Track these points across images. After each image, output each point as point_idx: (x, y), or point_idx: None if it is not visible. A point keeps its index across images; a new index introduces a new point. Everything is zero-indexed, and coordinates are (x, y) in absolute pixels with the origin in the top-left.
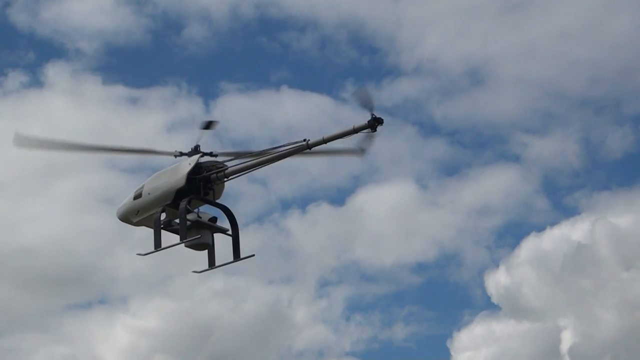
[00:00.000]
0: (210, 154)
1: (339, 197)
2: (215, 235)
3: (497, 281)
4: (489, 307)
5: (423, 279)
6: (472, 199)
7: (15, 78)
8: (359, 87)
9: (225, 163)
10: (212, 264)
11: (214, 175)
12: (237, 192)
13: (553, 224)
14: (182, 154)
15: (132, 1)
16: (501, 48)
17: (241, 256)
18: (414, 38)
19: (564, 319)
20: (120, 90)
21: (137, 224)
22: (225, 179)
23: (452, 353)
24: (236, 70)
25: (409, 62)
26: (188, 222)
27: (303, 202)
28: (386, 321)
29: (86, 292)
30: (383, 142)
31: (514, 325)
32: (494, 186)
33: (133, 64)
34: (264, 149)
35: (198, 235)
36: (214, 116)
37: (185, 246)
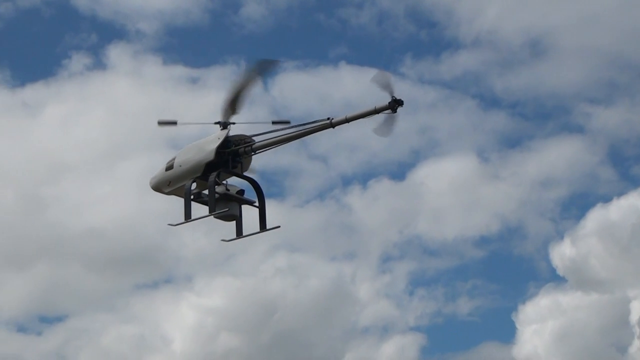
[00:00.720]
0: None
1: (399, 171)
2: (244, 207)
3: (563, 253)
4: (555, 279)
5: (486, 253)
6: (536, 170)
7: (79, 60)
8: (379, 71)
9: (254, 137)
10: (239, 233)
11: (242, 149)
12: (297, 169)
13: (620, 194)
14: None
15: None
16: (562, 18)
17: (267, 227)
18: (473, 10)
19: (633, 289)
20: (180, 70)
21: (168, 194)
22: (253, 153)
23: (518, 326)
24: (294, 48)
25: (467, 34)
26: (217, 195)
27: (364, 177)
28: (450, 295)
29: (153, 272)
30: (443, 116)
31: (581, 297)
32: (558, 157)
33: (192, 43)
34: (291, 125)
35: (226, 208)
36: (273, 94)
37: (214, 217)
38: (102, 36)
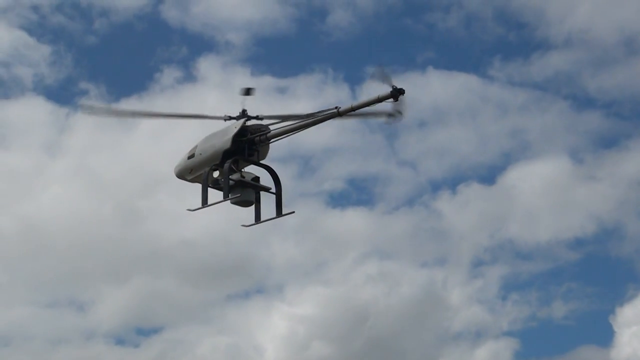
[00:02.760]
0: (257, 117)
1: (489, 175)
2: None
3: None
4: None
5: (581, 255)
6: (633, 170)
7: (170, 74)
8: (377, 66)
9: (269, 126)
10: (257, 219)
11: (258, 137)
12: (386, 175)
13: None
14: (230, 118)
15: None
16: None
17: (283, 212)
18: (563, 9)
19: None
20: (268, 80)
21: (192, 181)
22: (269, 141)
23: (616, 329)
24: (381, 54)
25: (558, 34)
26: (232, 182)
27: (453, 182)
28: (544, 299)
29: (244, 282)
30: (534, 118)
31: None
32: None
33: (280, 53)
34: (304, 114)
35: (238, 194)
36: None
37: (231, 203)
38: (192, 49)
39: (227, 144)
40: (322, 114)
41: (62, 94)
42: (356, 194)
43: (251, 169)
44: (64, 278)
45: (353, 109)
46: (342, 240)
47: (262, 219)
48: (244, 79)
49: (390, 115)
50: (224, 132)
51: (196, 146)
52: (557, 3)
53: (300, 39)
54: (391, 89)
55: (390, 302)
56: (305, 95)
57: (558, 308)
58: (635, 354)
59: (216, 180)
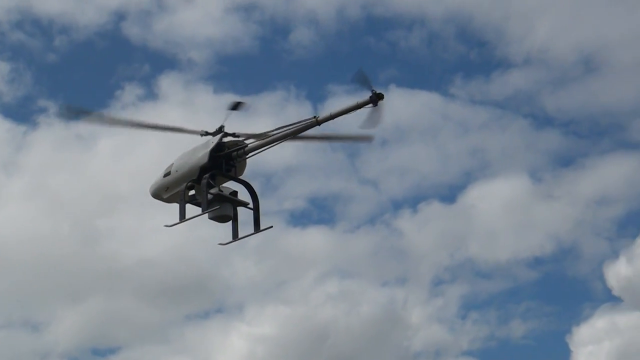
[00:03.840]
0: (233, 135)
1: (450, 194)
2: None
3: (618, 273)
4: (610, 299)
5: (540, 274)
6: (591, 189)
7: (131, 91)
8: (357, 70)
9: (245, 140)
10: (235, 236)
11: (235, 152)
12: (348, 194)
13: None
14: (207, 133)
15: (240, 8)
16: (616, 33)
17: (261, 228)
18: (523, 28)
19: None
20: (230, 98)
21: (167, 200)
22: (246, 156)
23: (572, 348)
24: (344, 72)
25: (518, 53)
26: (210, 196)
27: (414, 201)
28: (503, 318)
29: (204, 302)
30: (495, 137)
31: (638, 317)
32: (614, 175)
33: (242, 71)
34: (279, 126)
35: (217, 207)
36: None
37: (209, 218)
38: (154, 66)
39: (205, 159)
40: (300, 124)
41: (21, 112)
42: (317, 212)
43: (228, 184)
44: (19, 298)
45: (332, 117)
46: (303, 259)
47: (239, 236)
48: (207, 96)
49: (368, 121)
50: (201, 147)
51: (172, 164)
52: (518, 22)
53: (262, 57)
54: (370, 95)
55: (351, 322)
56: (268, 113)
57: (517, 327)
58: None
59: (193, 196)
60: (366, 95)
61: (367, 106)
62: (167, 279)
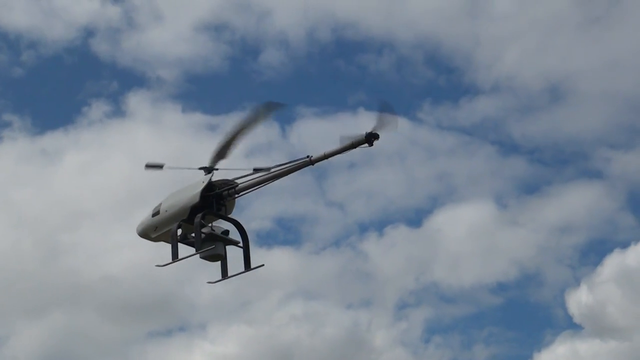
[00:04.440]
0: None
1: (416, 218)
2: (227, 247)
3: (579, 300)
4: (571, 326)
5: (503, 300)
6: (554, 216)
7: (99, 108)
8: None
9: (236, 180)
10: (225, 274)
11: (226, 192)
12: (314, 216)
13: (638, 240)
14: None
15: (210, 28)
16: (583, 63)
17: (252, 266)
18: (492, 56)
19: None
20: (199, 117)
21: (155, 240)
22: (237, 195)
23: None
24: (313, 94)
25: (486, 80)
26: (202, 235)
27: (380, 224)
28: (466, 343)
29: (167, 320)
30: (461, 162)
31: (599, 345)
32: (577, 203)
33: (211, 90)
34: (270, 166)
35: (212, 246)
36: (292, 141)
37: (200, 257)
38: (122, 83)
39: (196, 199)
40: (293, 163)
41: None
42: (283, 233)
43: (218, 223)
44: None
45: (326, 157)
46: (268, 280)
47: (229, 275)
48: (175, 115)
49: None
50: (190, 187)
51: (160, 204)
52: (486, 49)
53: (232, 77)
54: (365, 134)
55: (314, 343)
56: None
57: (479, 352)
58: None
59: (184, 235)
60: (361, 135)
61: (362, 146)
62: (130, 296)
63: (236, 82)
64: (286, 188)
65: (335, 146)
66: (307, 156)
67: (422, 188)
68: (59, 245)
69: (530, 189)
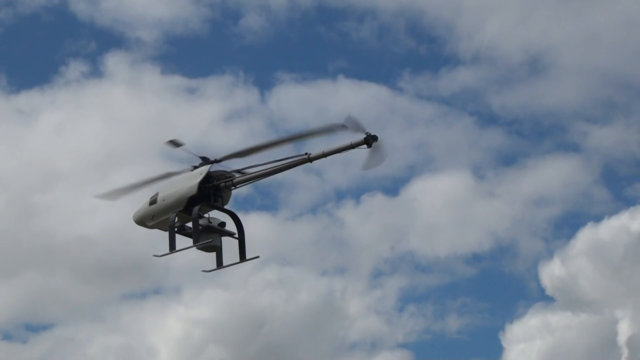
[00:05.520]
0: (216, 160)
1: (393, 187)
2: (223, 238)
3: (552, 273)
4: (544, 298)
5: (477, 270)
6: (530, 189)
7: (76, 68)
8: (347, 116)
9: (234, 172)
10: (220, 264)
11: (223, 184)
12: (292, 182)
13: (612, 214)
14: (195, 167)
15: None
16: (562, 36)
17: (247, 257)
18: (473, 26)
19: (621, 310)
20: (178, 80)
21: (151, 227)
22: (233, 187)
23: (505, 345)
24: (293, 60)
25: (467, 50)
26: (200, 227)
27: (357, 192)
28: (439, 313)
29: (142, 282)
30: (440, 132)
31: (570, 317)
32: (553, 176)
33: (191, 53)
34: (270, 161)
35: (209, 239)
36: (270, 106)
37: (197, 248)
38: (101, 44)
39: (194, 190)
40: (292, 159)
41: None
42: (260, 198)
43: (214, 214)
44: None
45: (324, 155)
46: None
47: (224, 264)
48: (153, 77)
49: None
50: (188, 178)
51: (157, 193)
52: (467, 20)
53: (212, 40)
54: (364, 136)
55: (288, 309)
56: (215, 96)
57: (452, 322)
58: None
59: (180, 226)
60: (359, 136)
61: (360, 147)
62: (104, 258)
63: (216, 46)
64: (265, 153)
65: (335, 145)
66: (306, 153)
67: (400, 157)
68: (33, 205)
69: (508, 160)
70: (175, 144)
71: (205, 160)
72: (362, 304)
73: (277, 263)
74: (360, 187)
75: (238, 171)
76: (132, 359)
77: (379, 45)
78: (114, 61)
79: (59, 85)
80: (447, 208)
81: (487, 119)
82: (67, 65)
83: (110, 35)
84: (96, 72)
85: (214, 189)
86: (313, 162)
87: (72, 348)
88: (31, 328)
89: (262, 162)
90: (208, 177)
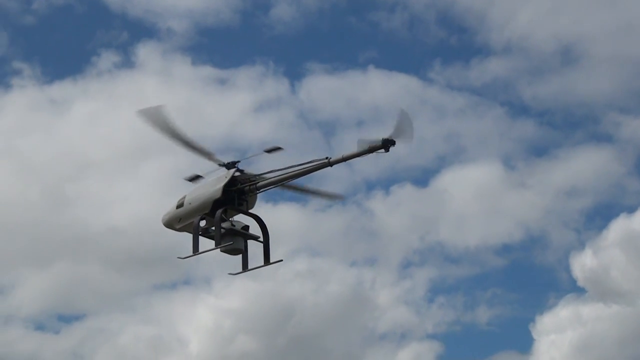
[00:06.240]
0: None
1: (423, 178)
2: (249, 242)
3: (584, 264)
4: (575, 290)
5: (507, 261)
6: (562, 180)
7: (108, 58)
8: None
9: (258, 176)
10: (245, 267)
11: (247, 187)
12: (321, 173)
13: None
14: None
15: None
16: (595, 25)
17: (270, 261)
18: (505, 16)
19: None
20: (208, 70)
21: (179, 230)
22: (257, 192)
23: (535, 337)
24: (323, 50)
25: (498, 40)
26: (223, 230)
27: (387, 183)
28: (469, 304)
29: (172, 273)
30: (470, 123)
31: (602, 309)
32: (585, 167)
33: (221, 43)
34: (291, 165)
35: (231, 242)
36: (301, 97)
37: (221, 251)
38: (132, 34)
39: (218, 194)
40: (312, 164)
41: None
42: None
43: (239, 218)
44: None
45: (344, 159)
46: (273, 236)
47: (249, 267)
48: (184, 67)
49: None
50: (214, 182)
51: (184, 196)
52: (499, 9)
53: (242, 31)
54: (382, 140)
55: (318, 300)
56: (245, 87)
57: (482, 313)
58: None
59: (206, 228)
60: (377, 140)
61: (379, 151)
62: (135, 248)
63: (247, 36)
64: (295, 144)
65: (353, 150)
66: (326, 157)
67: (430, 148)
68: (65, 195)
69: (539, 151)
70: (194, 178)
71: (230, 165)
72: (391, 295)
73: (307, 254)
74: (389, 178)
75: (261, 175)
76: (163, 349)
77: (409, 35)
78: (145, 52)
79: (91, 76)
80: (478, 199)
81: (519, 109)
82: (99, 56)
83: (141, 25)
84: (128, 62)
85: (238, 192)
86: (333, 165)
87: (103, 338)
88: (63, 318)
89: (284, 167)
90: (233, 180)
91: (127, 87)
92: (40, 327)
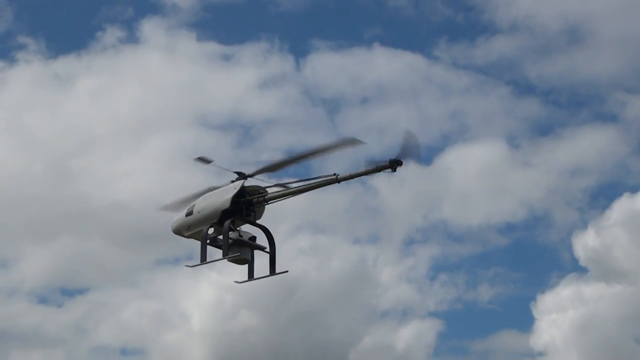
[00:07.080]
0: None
1: (426, 156)
2: (255, 252)
3: (586, 243)
4: (577, 269)
5: (510, 240)
6: (566, 159)
7: (113, 33)
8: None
9: (267, 188)
10: (251, 276)
11: (256, 199)
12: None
13: None
14: (232, 181)
15: None
16: (602, 5)
17: (276, 272)
18: None
19: None
20: (213, 46)
21: (187, 237)
22: (266, 203)
23: (536, 316)
24: (328, 28)
25: (504, 19)
26: (230, 240)
27: None
28: (471, 282)
29: (175, 248)
30: (475, 101)
31: (604, 288)
32: (589, 146)
33: (226, 20)
34: (300, 178)
35: (238, 253)
36: (305, 73)
37: (228, 261)
38: (137, 10)
39: (227, 204)
40: (320, 179)
41: None
42: (293, 166)
43: (247, 228)
44: None
45: (352, 177)
46: (276, 212)
47: (255, 277)
48: (189, 43)
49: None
50: (223, 192)
51: (194, 204)
52: None
53: (247, 7)
54: (389, 161)
55: (320, 277)
56: (250, 63)
57: (484, 292)
58: (553, 341)
59: (214, 237)
60: (385, 160)
61: (386, 170)
62: (138, 224)
63: (252, 13)
64: (298, 121)
65: (361, 169)
66: (334, 174)
67: (435, 126)
68: (69, 170)
69: (544, 130)
70: (204, 160)
71: (240, 176)
72: (393, 273)
73: (310, 231)
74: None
75: (269, 187)
76: (165, 324)
77: (415, 13)
78: (149, 27)
79: (95, 51)
80: (481, 177)
81: (524, 88)
82: (104, 31)
83: (146, 1)
84: (132, 38)
85: (246, 203)
86: (341, 182)
87: (106, 312)
88: (66, 292)
89: (294, 180)
90: (242, 191)
91: (131, 63)
92: (43, 300)
